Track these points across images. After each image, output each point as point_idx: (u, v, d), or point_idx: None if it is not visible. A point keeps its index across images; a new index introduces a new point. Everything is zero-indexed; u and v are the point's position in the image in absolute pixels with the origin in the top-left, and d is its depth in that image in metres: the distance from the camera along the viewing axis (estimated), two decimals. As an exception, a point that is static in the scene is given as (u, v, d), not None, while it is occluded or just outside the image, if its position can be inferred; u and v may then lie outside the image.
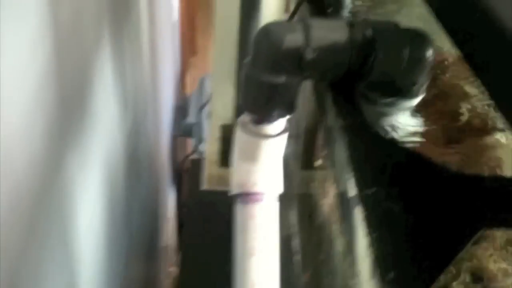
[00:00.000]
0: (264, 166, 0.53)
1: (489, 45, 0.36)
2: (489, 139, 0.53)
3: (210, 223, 1.24)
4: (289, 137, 0.96)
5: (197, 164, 1.40)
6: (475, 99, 0.55)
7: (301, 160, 0.90)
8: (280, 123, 0.52)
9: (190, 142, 1.73)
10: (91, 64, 0.70)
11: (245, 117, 0.52)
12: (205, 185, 0.90)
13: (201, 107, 1.54)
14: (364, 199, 0.40)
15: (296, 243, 0.79)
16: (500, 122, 0.52)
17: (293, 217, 0.84)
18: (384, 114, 0.55)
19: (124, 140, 0.96)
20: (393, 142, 0.46)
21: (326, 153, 0.62)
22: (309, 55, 0.45)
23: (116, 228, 0.91)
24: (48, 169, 0.53)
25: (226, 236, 1.12)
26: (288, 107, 0.50)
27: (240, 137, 0.53)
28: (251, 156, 0.53)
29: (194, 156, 1.57)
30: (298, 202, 0.91)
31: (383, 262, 0.34)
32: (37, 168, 0.50)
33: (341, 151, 0.47)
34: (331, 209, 0.57)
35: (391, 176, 0.42)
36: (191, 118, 1.65)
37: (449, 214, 0.40)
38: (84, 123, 0.67)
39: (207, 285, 1.16)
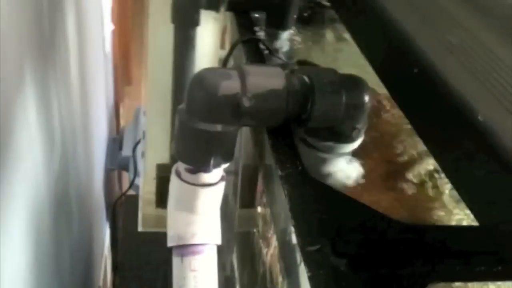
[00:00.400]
0: (203, 216, 0.50)
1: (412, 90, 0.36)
2: (428, 184, 0.53)
3: (146, 264, 1.19)
4: (228, 173, 0.94)
5: (132, 201, 1.35)
6: (414, 141, 0.55)
7: (241, 198, 0.88)
8: (218, 171, 0.50)
9: (127, 175, 1.67)
10: (11, 106, 0.65)
11: (181, 165, 0.49)
12: (140, 227, 0.86)
13: (136, 143, 1.49)
14: (308, 257, 0.38)
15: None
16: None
17: (234, 260, 0.81)
18: (324, 159, 0.54)
19: (50, 183, 0.90)
20: (334, 192, 0.45)
21: (266, 201, 0.60)
22: (246, 103, 0.43)
23: (45, 278, 0.84)
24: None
25: (162, 277, 1.07)
26: (226, 156, 0.48)
27: (175, 186, 0.50)
28: (189, 206, 0.50)
29: (130, 192, 1.51)
30: (238, 242, 0.88)
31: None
32: None
33: (281, 203, 0.45)
34: (273, 260, 0.55)
35: (335, 229, 0.40)
36: (126, 151, 1.60)
37: (397, 268, 0.38)
38: (2, 171, 0.61)
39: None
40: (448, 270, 0.38)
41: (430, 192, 0.50)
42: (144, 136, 0.82)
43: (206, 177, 0.49)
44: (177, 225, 0.51)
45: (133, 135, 1.62)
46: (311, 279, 0.36)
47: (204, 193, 0.49)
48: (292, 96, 0.45)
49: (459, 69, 0.32)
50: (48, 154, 0.87)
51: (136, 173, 1.49)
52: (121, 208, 1.62)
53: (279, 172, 0.45)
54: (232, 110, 0.44)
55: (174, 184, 0.50)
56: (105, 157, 1.69)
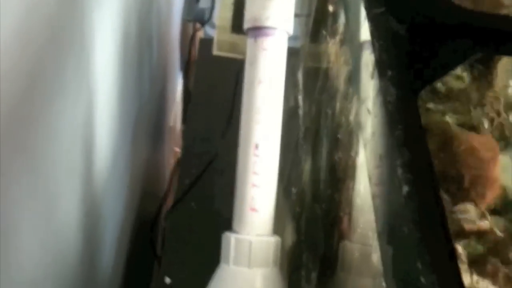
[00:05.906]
0: (277, 2, 0.55)
1: None
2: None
3: (214, 100, 1.27)
4: (300, 15, 0.97)
5: (206, 43, 1.42)
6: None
7: (311, 34, 0.92)
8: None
9: (201, 34, 1.73)
10: None
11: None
12: (215, 51, 0.93)
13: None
14: (372, 19, 0.42)
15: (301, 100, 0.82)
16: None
17: (299, 95, 0.87)
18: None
19: (137, 5, 0.96)
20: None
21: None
22: None
23: (127, 88, 0.94)
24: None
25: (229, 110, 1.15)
26: None
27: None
28: (266, -9, 0.54)
29: (203, 37, 1.58)
30: (306, 75, 0.94)
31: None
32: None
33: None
34: (338, 49, 0.60)
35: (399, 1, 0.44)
36: (203, 3, 1.64)
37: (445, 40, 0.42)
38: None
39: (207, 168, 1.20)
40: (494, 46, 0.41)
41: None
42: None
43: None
44: (253, 9, 0.55)
45: (211, -12, 1.65)
46: (373, 36, 0.41)
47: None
48: None
49: None
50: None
51: (211, 24, 1.55)
52: (193, 62, 1.70)
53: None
54: None
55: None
56: (183, 8, 1.75)
